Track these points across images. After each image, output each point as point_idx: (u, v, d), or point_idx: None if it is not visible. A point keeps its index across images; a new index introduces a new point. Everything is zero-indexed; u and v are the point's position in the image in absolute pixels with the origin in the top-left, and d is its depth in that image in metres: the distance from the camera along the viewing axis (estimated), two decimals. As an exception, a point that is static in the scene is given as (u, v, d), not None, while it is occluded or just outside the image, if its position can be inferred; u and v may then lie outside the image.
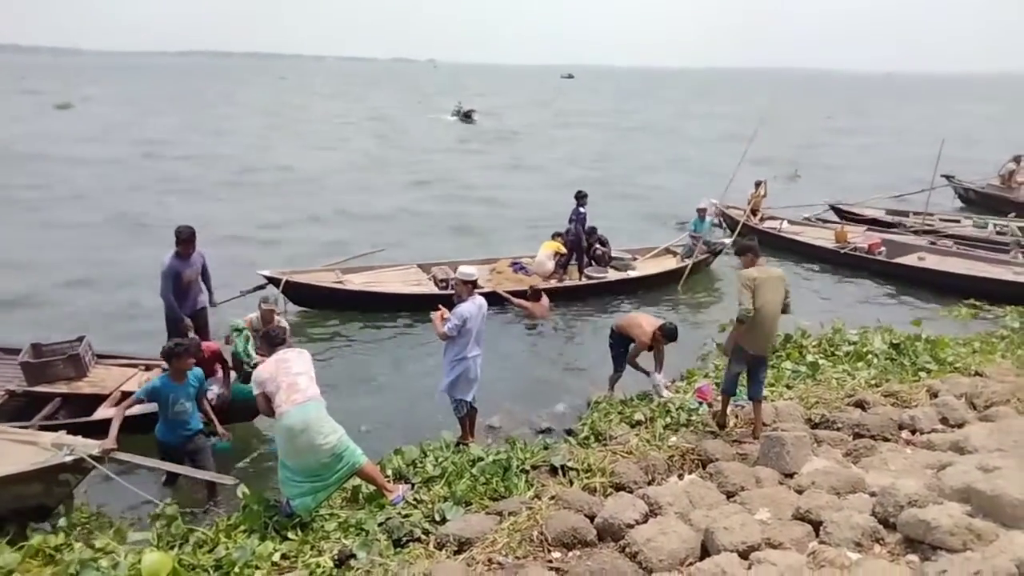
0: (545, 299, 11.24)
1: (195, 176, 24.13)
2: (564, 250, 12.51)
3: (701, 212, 14.14)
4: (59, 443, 5.74)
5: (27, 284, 12.06)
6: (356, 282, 11.68)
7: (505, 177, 26.24)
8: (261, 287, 10.99)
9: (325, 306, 11.29)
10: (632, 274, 13.05)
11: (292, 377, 5.44)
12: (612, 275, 12.92)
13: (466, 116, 46.23)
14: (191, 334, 7.54)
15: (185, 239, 7.70)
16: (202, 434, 6.34)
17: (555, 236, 12.80)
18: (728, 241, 14.18)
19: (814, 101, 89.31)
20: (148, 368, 7.91)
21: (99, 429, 6.15)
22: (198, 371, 6.29)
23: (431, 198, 21.98)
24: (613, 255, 13.43)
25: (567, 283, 12.41)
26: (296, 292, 11.17)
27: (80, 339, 7.76)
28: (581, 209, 12.41)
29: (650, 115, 59.18)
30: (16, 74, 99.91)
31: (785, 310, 6.40)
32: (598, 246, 13.23)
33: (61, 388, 7.37)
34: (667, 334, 7.79)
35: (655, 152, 34.36)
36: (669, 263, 13.78)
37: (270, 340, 5.89)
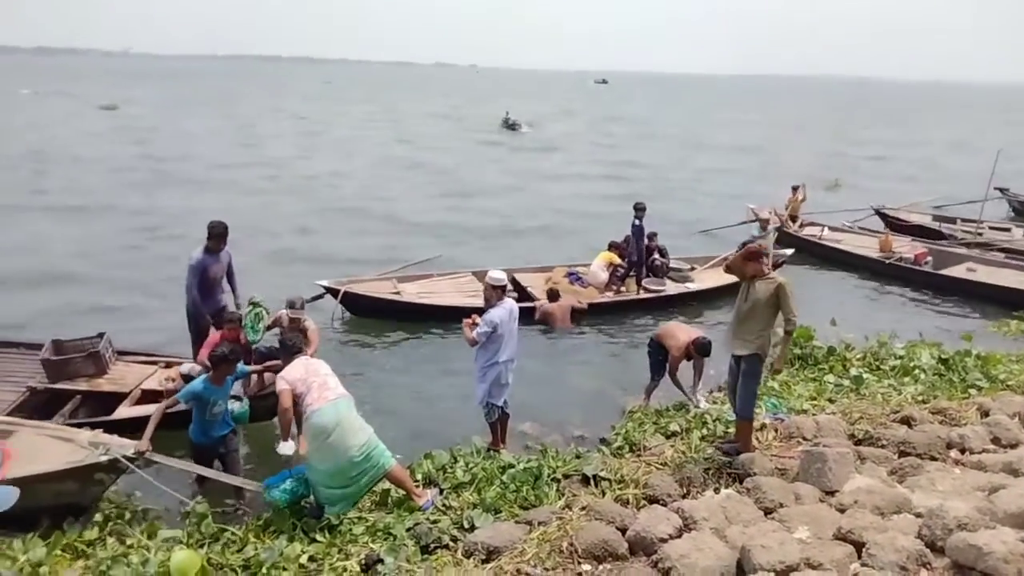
0: (565, 300, 11.11)
1: (226, 178, 24.26)
2: (619, 261, 12.33)
3: (764, 223, 13.83)
4: (95, 442, 5.81)
5: (49, 280, 12.22)
6: (411, 291, 11.75)
7: (549, 186, 26.01)
8: (319, 297, 11.15)
9: (381, 316, 11.39)
10: (691, 287, 12.76)
11: (322, 378, 5.57)
12: (670, 288, 12.66)
13: (512, 127, 45.91)
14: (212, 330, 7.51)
15: (218, 234, 7.62)
16: (233, 433, 6.38)
17: (611, 246, 12.62)
18: (789, 253, 13.80)
19: (857, 109, 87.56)
20: (168, 366, 7.93)
21: (120, 428, 6.26)
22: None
23: (483, 206, 21.90)
24: (671, 265, 13.18)
25: (624, 296, 12.21)
26: (353, 302, 11.29)
27: (100, 336, 7.79)
28: (637, 222, 12.13)
29: (684, 122, 58.54)
30: (68, 76, 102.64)
31: None
32: (656, 256, 12.99)
33: (81, 385, 7.41)
34: (699, 349, 7.65)
35: (688, 160, 33.98)
36: (729, 275, 13.46)
37: (287, 349, 5.95)
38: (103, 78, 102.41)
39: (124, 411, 7.01)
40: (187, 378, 6.76)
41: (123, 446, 5.73)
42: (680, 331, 7.91)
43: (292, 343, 6.01)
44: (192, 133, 37.12)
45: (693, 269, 13.40)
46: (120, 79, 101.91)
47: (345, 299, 11.12)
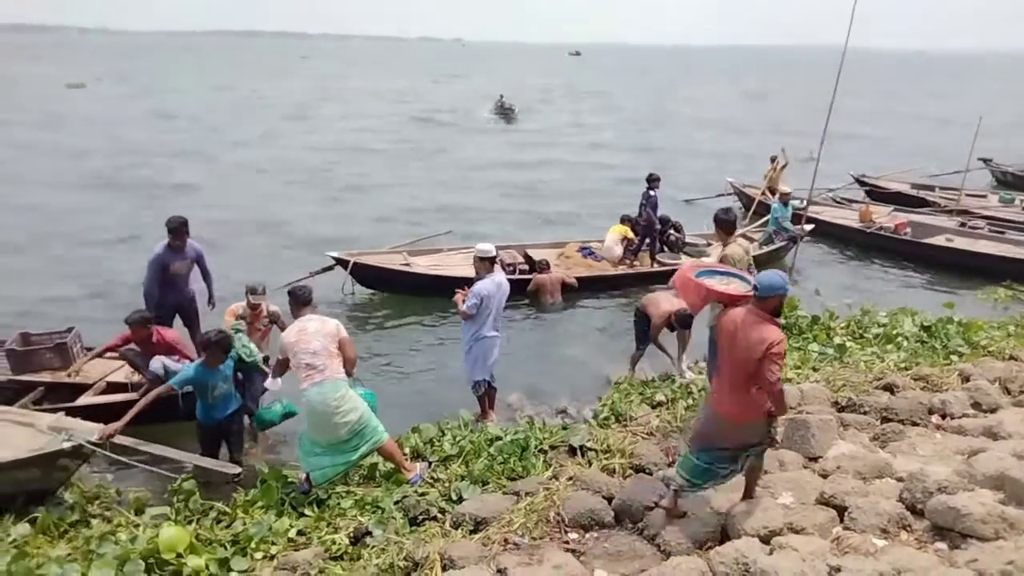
0: (555, 273, 11.09)
1: (201, 165, 23.06)
2: (632, 235, 12.18)
3: (784, 197, 13.49)
4: (57, 426, 5.72)
5: (20, 276, 11.76)
6: (422, 264, 11.69)
7: (541, 163, 25.50)
8: (329, 268, 11.12)
9: (391, 288, 11.34)
10: (706, 261, 12.60)
11: (309, 356, 5.41)
12: (685, 263, 12.54)
13: (508, 112, 38.80)
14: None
15: (172, 229, 7.41)
16: (241, 413, 6.37)
17: (624, 220, 12.44)
18: (809, 228, 13.54)
19: (839, 80, 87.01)
20: None
21: (83, 414, 6.16)
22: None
23: (489, 184, 21.49)
24: (687, 240, 13.02)
25: (639, 269, 12.03)
26: (363, 274, 11.24)
27: (69, 330, 7.59)
28: (652, 193, 11.94)
29: (666, 95, 57.99)
30: (34, 54, 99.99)
31: None
32: (672, 231, 12.86)
33: (45, 377, 7.20)
34: (680, 320, 7.72)
35: (670, 134, 33.68)
36: (751, 251, 13.23)
37: (296, 299, 5.79)
38: (78, 55, 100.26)
39: (88, 399, 6.79)
40: (155, 378, 6.61)
41: (87, 431, 5.65)
42: (664, 300, 7.94)
43: (301, 293, 5.83)
44: (157, 112, 36.07)
45: (709, 244, 13.21)
46: (95, 56, 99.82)
47: (355, 271, 11.09)
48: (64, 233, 14.65)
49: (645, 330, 8.01)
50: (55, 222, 15.40)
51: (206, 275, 7.91)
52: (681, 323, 7.72)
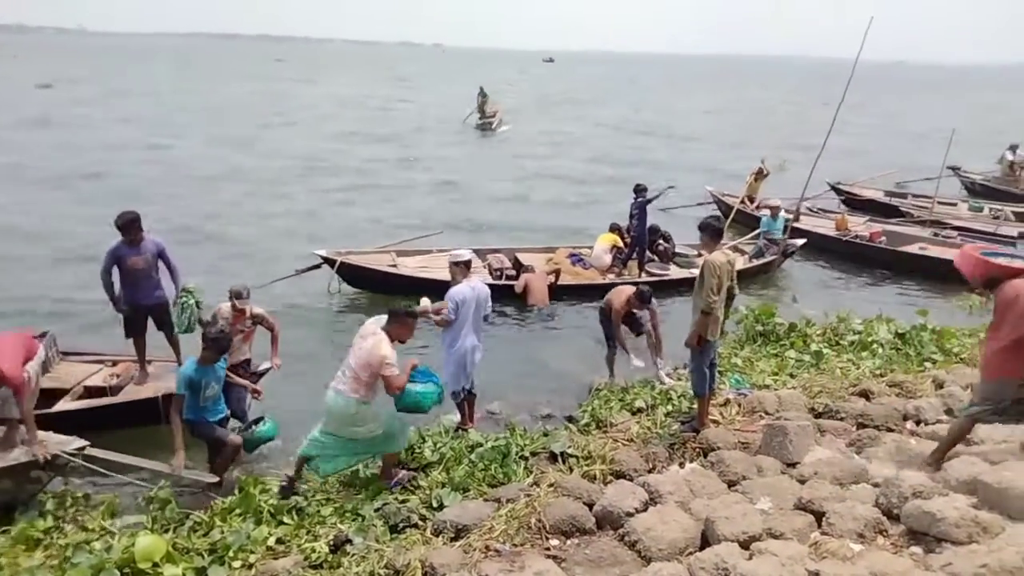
0: (539, 271, 11.10)
1: (179, 166, 22.75)
2: (621, 244, 12.20)
3: (774, 210, 13.47)
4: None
5: None
6: (410, 265, 11.67)
7: (530, 169, 25.39)
8: (316, 267, 11.14)
9: (377, 289, 11.28)
10: (696, 272, 12.58)
11: (344, 364, 5.61)
12: (674, 272, 12.50)
13: (487, 122, 35.41)
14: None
15: (121, 226, 6.98)
16: (225, 421, 6.30)
17: (613, 228, 12.46)
18: (800, 243, 13.58)
19: (816, 90, 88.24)
20: (114, 364, 7.58)
21: (59, 421, 6.12)
22: None
23: (462, 194, 21.28)
24: (676, 251, 13.04)
25: (626, 279, 11.84)
26: (350, 274, 11.22)
27: (43, 335, 7.29)
28: (640, 199, 11.97)
29: (648, 105, 58.02)
30: (8, 52, 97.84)
31: (732, 292, 6.30)
32: (661, 241, 12.89)
33: None
34: (640, 295, 7.84)
35: (646, 145, 33.53)
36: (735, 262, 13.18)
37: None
38: (52, 56, 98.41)
39: (64, 405, 6.62)
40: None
41: (62, 443, 5.58)
42: (625, 291, 8.08)
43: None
44: (117, 115, 34.91)
45: (700, 255, 13.24)
46: (68, 57, 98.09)
47: (341, 270, 11.06)
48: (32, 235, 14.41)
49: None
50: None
51: (171, 271, 7.36)
52: (640, 297, 7.82)
